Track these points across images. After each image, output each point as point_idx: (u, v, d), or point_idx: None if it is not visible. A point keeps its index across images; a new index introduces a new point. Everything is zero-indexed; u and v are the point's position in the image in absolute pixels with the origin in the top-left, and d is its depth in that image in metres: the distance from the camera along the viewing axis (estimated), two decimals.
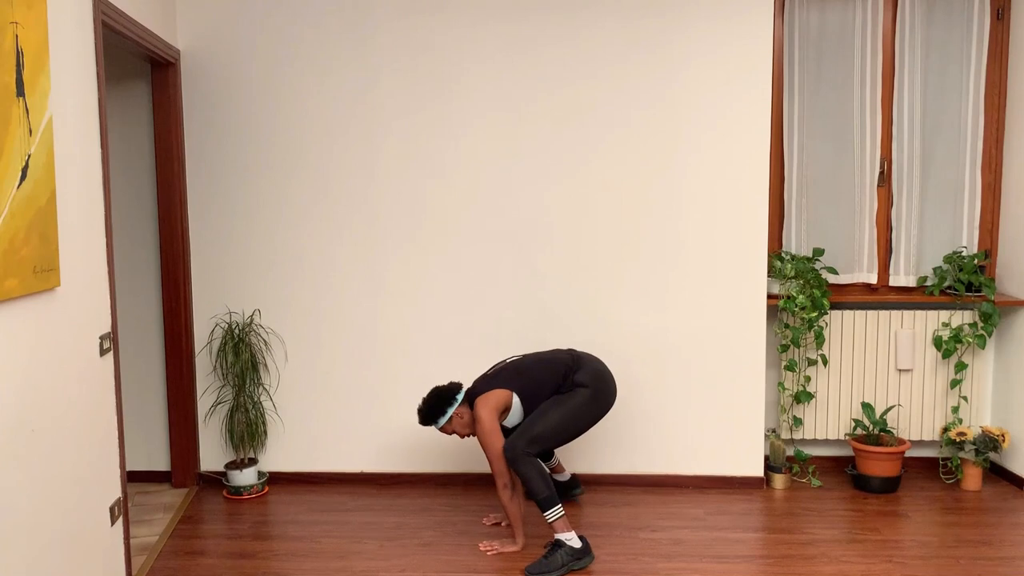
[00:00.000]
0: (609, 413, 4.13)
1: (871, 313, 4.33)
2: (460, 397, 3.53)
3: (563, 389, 3.51)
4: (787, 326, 4.24)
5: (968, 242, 4.35)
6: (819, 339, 4.23)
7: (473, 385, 3.61)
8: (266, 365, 4.25)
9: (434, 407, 3.52)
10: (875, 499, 4.06)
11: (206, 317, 4.23)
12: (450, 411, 3.50)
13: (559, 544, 3.31)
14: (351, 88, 4.10)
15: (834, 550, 3.49)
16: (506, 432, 3.53)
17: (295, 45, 4.09)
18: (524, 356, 3.69)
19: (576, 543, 3.32)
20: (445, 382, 3.66)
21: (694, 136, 4.06)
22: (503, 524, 3.75)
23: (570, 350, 3.71)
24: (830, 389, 4.38)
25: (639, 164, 4.08)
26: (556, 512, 3.31)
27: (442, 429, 3.56)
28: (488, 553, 3.44)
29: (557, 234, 4.13)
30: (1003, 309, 4.28)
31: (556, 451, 3.94)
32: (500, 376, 3.57)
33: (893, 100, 4.30)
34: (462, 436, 3.59)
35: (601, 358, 3.75)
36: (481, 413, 3.43)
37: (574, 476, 4.07)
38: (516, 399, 3.51)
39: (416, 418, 3.61)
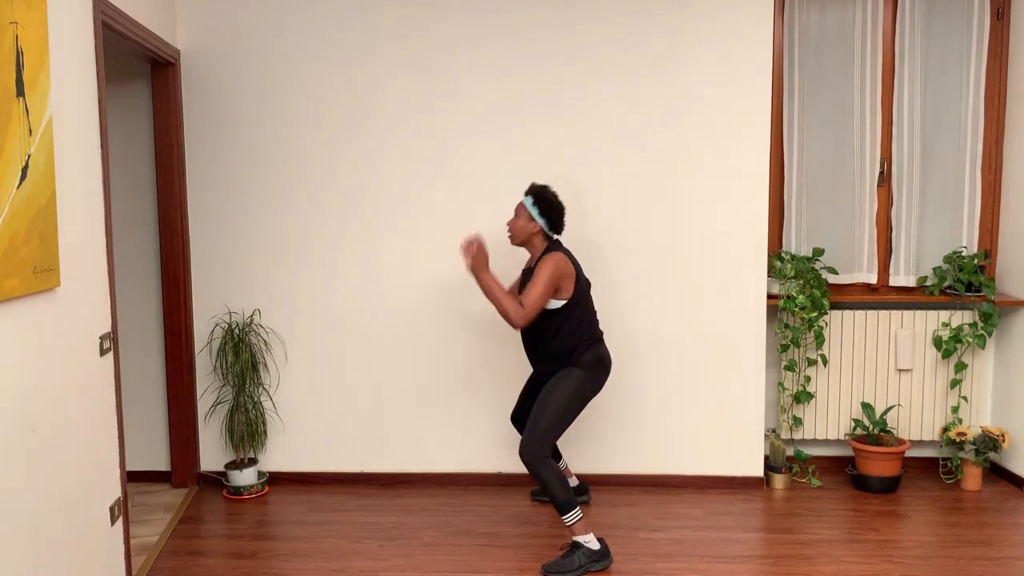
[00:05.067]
0: (610, 412, 4.16)
1: (871, 313, 4.33)
2: (544, 221, 3.43)
3: (566, 362, 3.44)
4: (787, 326, 4.24)
5: (968, 242, 4.35)
6: (819, 339, 4.23)
7: (564, 247, 3.50)
8: (266, 365, 4.25)
9: (541, 194, 3.45)
10: (875, 499, 4.06)
11: (206, 317, 4.23)
12: (531, 207, 3.43)
13: (577, 546, 3.31)
14: (351, 87, 4.10)
15: (834, 550, 3.49)
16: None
17: (295, 44, 4.09)
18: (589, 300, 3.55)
19: (594, 545, 3.32)
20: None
21: (694, 136, 4.06)
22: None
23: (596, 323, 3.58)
24: (830, 389, 4.38)
25: (639, 164, 4.09)
26: (574, 515, 3.31)
27: (516, 210, 3.49)
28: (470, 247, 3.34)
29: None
30: (1003, 309, 4.28)
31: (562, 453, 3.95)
32: (581, 277, 3.48)
33: (893, 100, 4.30)
34: (510, 236, 3.51)
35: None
36: (548, 262, 3.34)
37: (582, 482, 4.06)
38: (563, 303, 3.40)
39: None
